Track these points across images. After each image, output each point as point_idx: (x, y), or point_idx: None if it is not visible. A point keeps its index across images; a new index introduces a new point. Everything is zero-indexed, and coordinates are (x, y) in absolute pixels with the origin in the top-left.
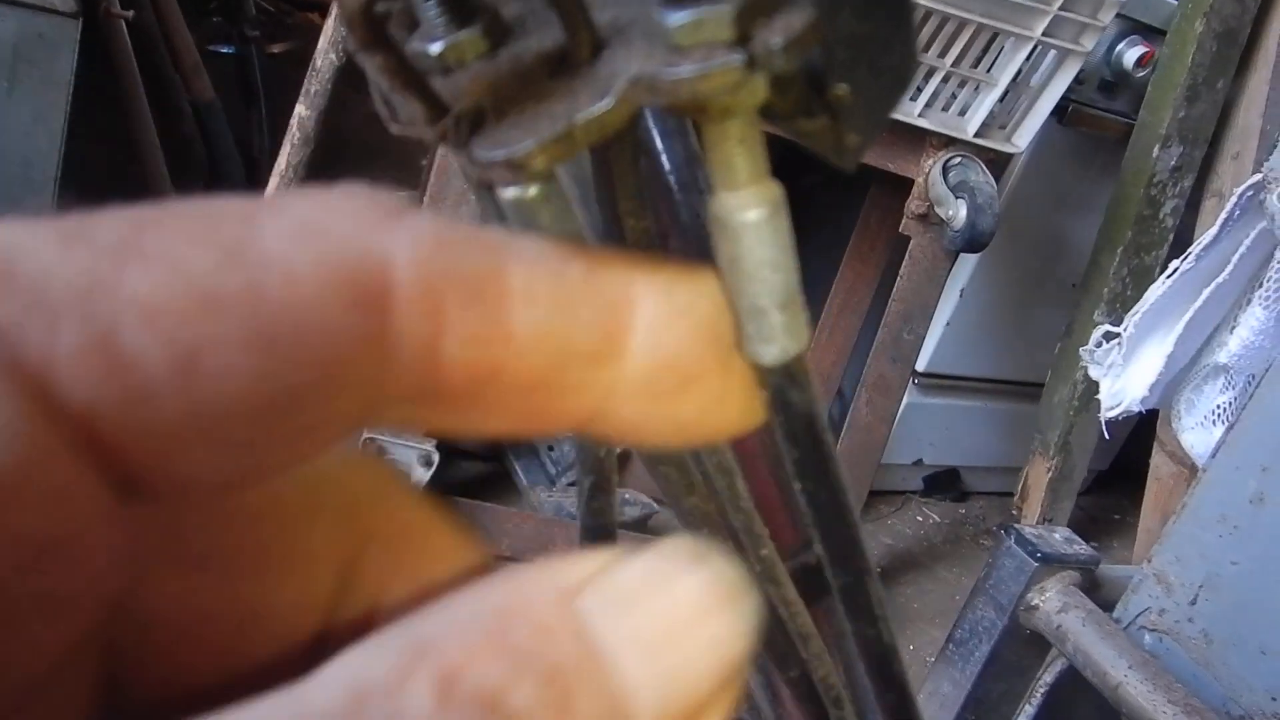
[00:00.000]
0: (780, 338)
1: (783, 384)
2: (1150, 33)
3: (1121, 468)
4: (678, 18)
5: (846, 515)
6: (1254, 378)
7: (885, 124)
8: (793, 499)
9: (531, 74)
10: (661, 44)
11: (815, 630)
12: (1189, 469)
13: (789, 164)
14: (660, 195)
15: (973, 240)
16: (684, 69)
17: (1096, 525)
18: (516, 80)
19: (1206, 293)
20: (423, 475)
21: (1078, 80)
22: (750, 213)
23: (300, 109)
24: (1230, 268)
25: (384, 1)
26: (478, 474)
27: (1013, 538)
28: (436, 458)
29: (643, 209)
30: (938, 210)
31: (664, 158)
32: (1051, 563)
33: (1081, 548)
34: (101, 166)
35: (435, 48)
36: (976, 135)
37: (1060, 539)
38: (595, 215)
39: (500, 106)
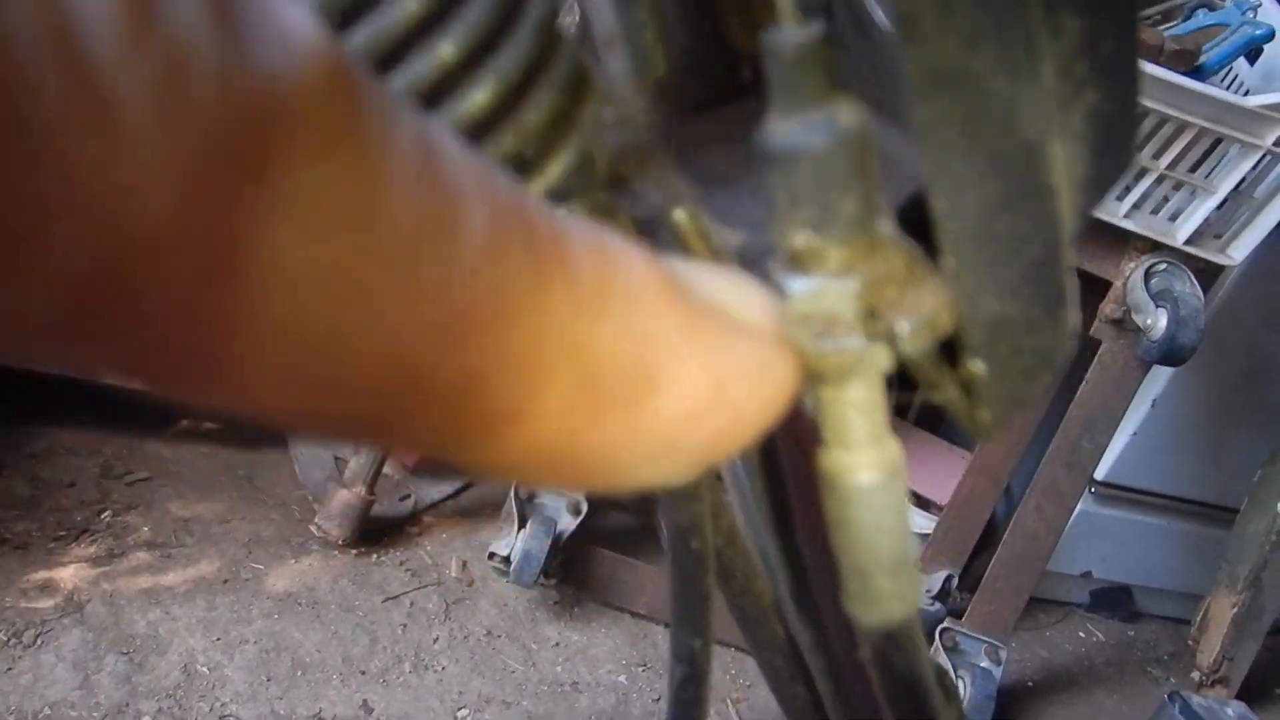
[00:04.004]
0: (884, 603)
1: (885, 647)
2: None
3: None
4: (799, 286)
5: None
6: None
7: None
8: None
9: None
10: (782, 301)
11: None
12: None
13: None
14: None
15: (1171, 353)
16: (799, 343)
17: None
18: None
19: None
20: (569, 524)
21: None
22: (862, 476)
23: None
24: None
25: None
26: (624, 527)
27: (1177, 706)
28: (585, 507)
29: None
30: (1135, 317)
31: None
32: None
33: None
34: None
35: None
36: (1187, 243)
37: (1233, 716)
38: None
39: None
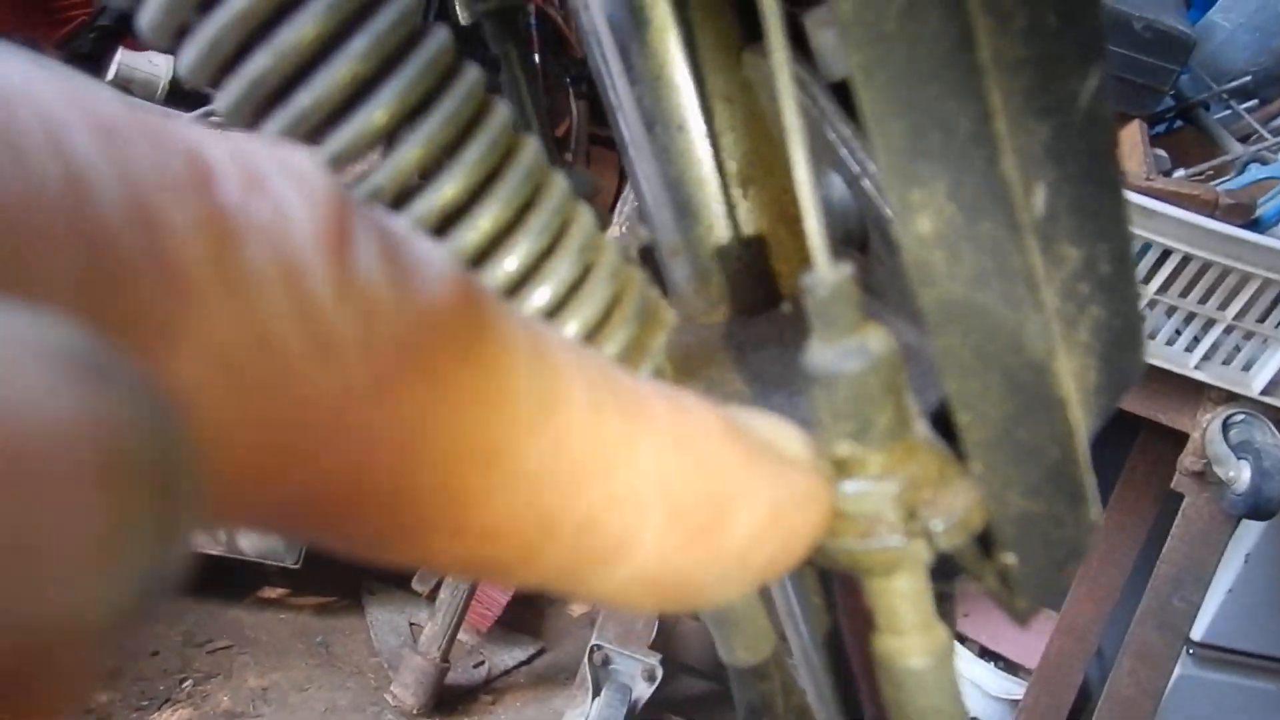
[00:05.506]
0: None
1: None
2: None
3: None
4: (845, 489)
5: None
6: None
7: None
8: None
9: None
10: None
11: None
12: None
13: None
14: None
15: (1258, 506)
16: (846, 541)
17: None
18: None
19: None
20: (644, 690)
21: None
22: (913, 660)
23: None
24: None
25: None
26: (700, 693)
27: None
28: (659, 672)
29: None
30: (1216, 470)
31: None
32: None
33: None
34: None
35: None
36: (1263, 393)
37: None
38: None
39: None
